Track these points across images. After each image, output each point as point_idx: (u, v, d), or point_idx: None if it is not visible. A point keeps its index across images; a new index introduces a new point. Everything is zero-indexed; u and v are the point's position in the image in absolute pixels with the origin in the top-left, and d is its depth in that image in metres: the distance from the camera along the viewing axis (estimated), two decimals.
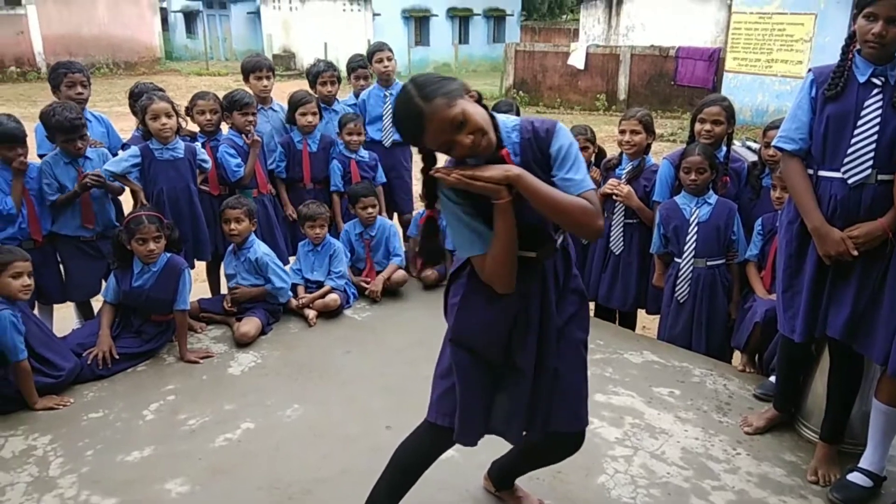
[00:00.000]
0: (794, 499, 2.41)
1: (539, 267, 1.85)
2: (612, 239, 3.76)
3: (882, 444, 2.38)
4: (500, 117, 1.76)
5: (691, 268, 3.35)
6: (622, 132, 3.62)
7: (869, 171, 2.24)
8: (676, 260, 3.42)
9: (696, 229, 3.31)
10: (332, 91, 4.54)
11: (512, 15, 29.56)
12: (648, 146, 3.67)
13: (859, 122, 2.25)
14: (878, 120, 2.22)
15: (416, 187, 4.71)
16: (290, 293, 3.85)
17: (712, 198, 3.33)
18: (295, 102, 4.20)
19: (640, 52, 15.53)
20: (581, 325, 1.98)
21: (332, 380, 3.22)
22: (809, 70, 2.45)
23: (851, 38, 2.30)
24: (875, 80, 2.25)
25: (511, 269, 1.76)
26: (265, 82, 4.21)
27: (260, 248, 3.74)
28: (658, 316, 3.72)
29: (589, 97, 16.17)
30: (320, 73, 4.51)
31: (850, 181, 2.27)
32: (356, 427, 2.82)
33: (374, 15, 24.06)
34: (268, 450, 2.68)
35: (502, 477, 2.35)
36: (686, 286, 3.36)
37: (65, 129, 3.25)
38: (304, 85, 4.73)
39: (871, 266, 2.28)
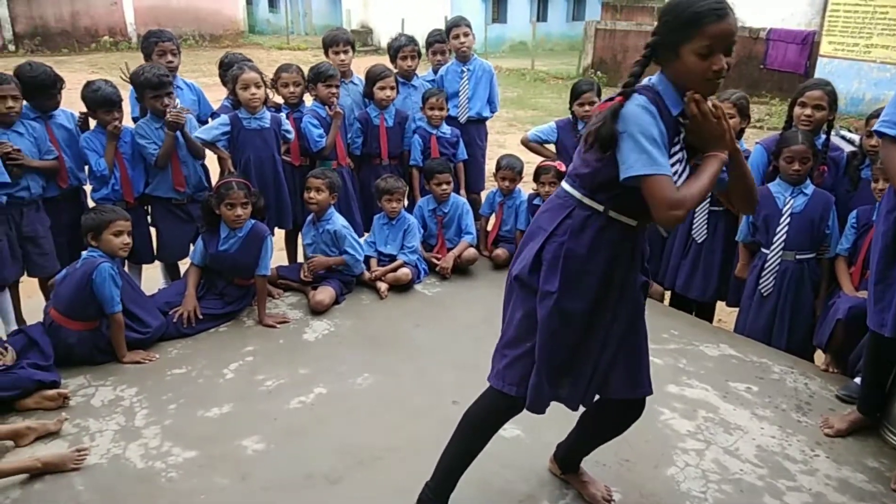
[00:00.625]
0: None
1: (634, 235, 1.86)
2: (695, 226, 3.63)
3: None
4: None
5: (779, 260, 3.21)
6: None
7: None
8: (763, 251, 3.28)
9: (788, 220, 3.16)
10: (411, 66, 4.55)
11: None
12: (742, 131, 3.51)
13: None
14: None
15: (489, 166, 4.73)
16: (364, 265, 3.92)
17: (809, 188, 3.16)
18: (373, 76, 4.22)
19: None
20: (645, 296, 2.01)
21: (402, 352, 3.27)
22: None
23: None
24: None
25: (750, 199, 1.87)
26: (343, 56, 4.26)
27: (338, 221, 3.82)
28: (737, 309, 3.59)
29: None
30: (401, 48, 4.51)
31: None
32: (424, 399, 2.87)
33: None
34: (339, 415, 2.76)
35: (568, 459, 2.34)
36: (771, 279, 3.23)
37: (152, 84, 3.38)
38: (381, 60, 4.76)
39: None
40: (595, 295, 1.84)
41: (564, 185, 1.90)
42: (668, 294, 3.99)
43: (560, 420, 2.17)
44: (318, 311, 3.61)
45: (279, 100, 4.07)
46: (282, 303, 3.78)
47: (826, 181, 3.25)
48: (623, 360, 1.95)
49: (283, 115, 3.90)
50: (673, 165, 1.72)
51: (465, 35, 4.55)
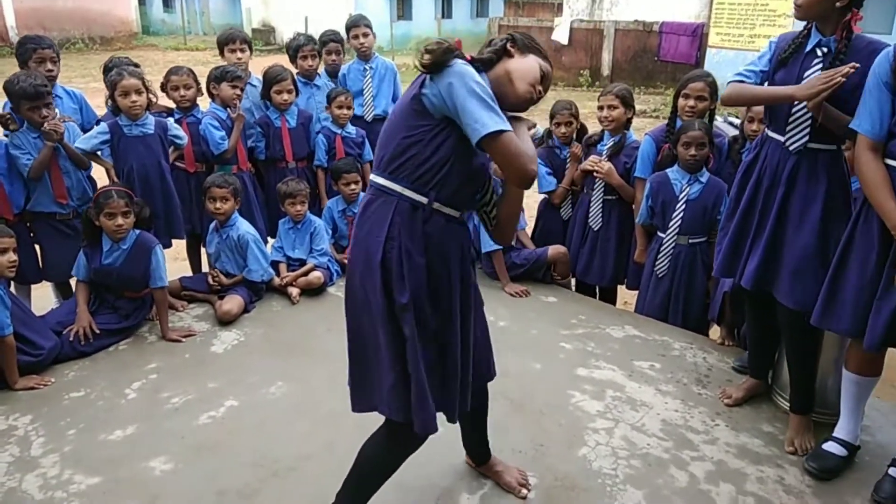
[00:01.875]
0: (771, 468, 2.46)
1: (462, 227, 1.85)
2: (591, 215, 3.78)
3: (854, 413, 2.44)
4: None
5: (673, 244, 3.37)
6: (600, 108, 3.63)
7: (806, 139, 2.35)
8: (659, 234, 3.44)
9: (683, 206, 3.32)
10: (312, 65, 4.47)
11: None
12: (629, 121, 3.68)
13: None
14: None
15: None
16: (272, 271, 3.83)
17: (704, 176, 3.33)
18: (269, 80, 4.12)
19: (624, 27, 15.43)
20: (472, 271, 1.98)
21: (316, 357, 3.22)
22: (781, 35, 2.54)
23: None
24: (818, 50, 2.33)
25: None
26: (240, 55, 4.14)
27: (242, 226, 3.71)
28: (637, 291, 3.75)
29: (573, 73, 16.09)
30: (301, 47, 4.43)
31: (790, 147, 2.39)
32: (340, 404, 2.78)
33: None
34: (252, 427, 2.69)
35: (473, 451, 2.38)
36: (666, 261, 3.39)
37: (29, 95, 3.16)
38: (283, 60, 4.65)
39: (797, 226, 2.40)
40: (441, 294, 1.79)
41: (379, 179, 1.78)
42: (572, 281, 4.12)
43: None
44: (225, 321, 3.49)
45: (170, 104, 3.91)
46: (187, 315, 3.63)
47: (711, 166, 3.44)
48: (481, 347, 2.03)
49: (171, 119, 3.74)
50: None
51: (365, 35, 4.50)
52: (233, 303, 3.54)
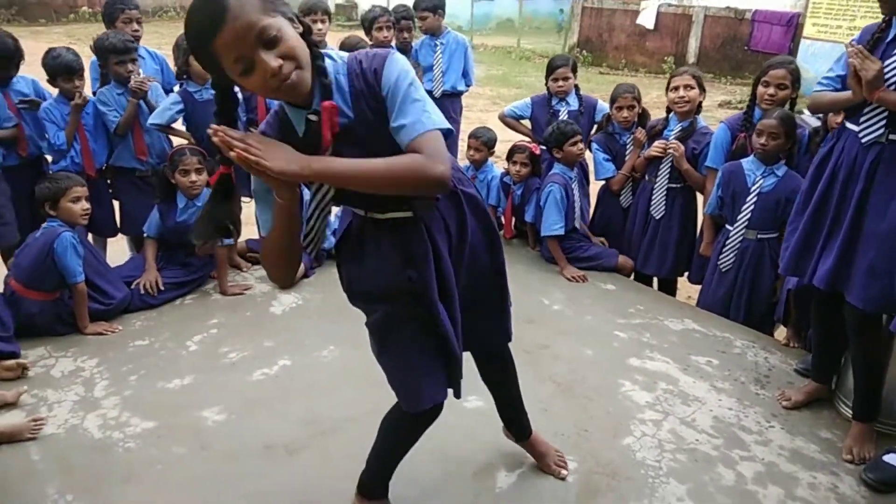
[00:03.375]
0: (825, 475, 2.35)
1: (420, 224, 1.61)
2: (653, 202, 3.67)
3: None
4: (332, 54, 1.44)
5: (741, 238, 3.23)
6: (675, 88, 3.49)
7: (883, 130, 2.20)
8: (727, 227, 3.30)
9: (755, 199, 3.17)
10: (388, 36, 4.50)
11: None
12: (700, 105, 3.53)
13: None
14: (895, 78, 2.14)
15: (465, 142, 4.72)
16: (333, 239, 3.89)
17: (781, 169, 3.15)
18: (348, 47, 4.18)
19: (714, 13, 14.76)
20: (490, 249, 1.82)
21: None
22: (865, 26, 2.37)
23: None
24: None
25: (285, 269, 1.55)
26: (319, 25, 4.20)
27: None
28: (701, 286, 3.62)
29: (656, 59, 15.55)
30: (376, 19, 4.47)
31: (864, 139, 2.24)
32: None
33: None
34: (302, 387, 2.76)
35: (511, 424, 2.34)
36: (732, 256, 3.25)
37: (117, 49, 3.33)
38: (362, 36, 4.71)
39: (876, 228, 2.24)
40: (398, 297, 1.67)
41: None
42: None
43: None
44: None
45: None
46: (250, 276, 3.76)
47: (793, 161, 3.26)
48: (477, 324, 1.85)
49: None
50: (317, 195, 1.51)
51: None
52: None
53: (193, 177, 3.30)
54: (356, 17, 23.76)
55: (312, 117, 1.40)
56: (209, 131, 1.29)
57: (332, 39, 4.47)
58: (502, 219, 4.28)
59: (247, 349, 3.02)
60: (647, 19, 15.65)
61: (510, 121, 4.36)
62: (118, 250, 3.97)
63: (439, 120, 1.43)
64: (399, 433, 1.97)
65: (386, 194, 1.47)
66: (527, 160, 3.98)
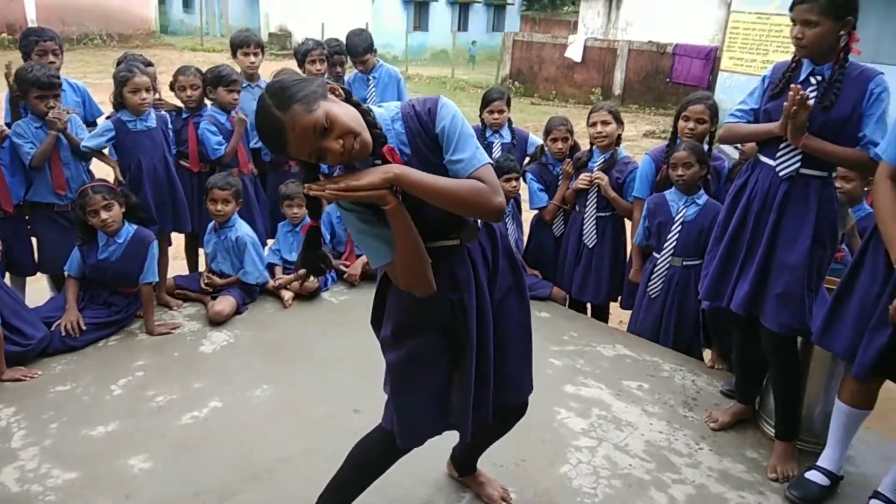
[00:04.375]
0: (752, 495, 2.44)
1: (464, 252, 1.78)
2: (585, 232, 3.79)
3: (841, 443, 2.41)
4: (380, 109, 1.65)
5: (668, 265, 3.36)
6: (593, 124, 3.65)
7: (798, 164, 2.36)
8: (655, 255, 3.43)
9: (679, 228, 3.31)
10: (321, 69, 4.51)
11: (513, 4, 29.47)
12: (619, 137, 3.70)
13: None
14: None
15: None
16: (267, 274, 3.84)
17: (702, 198, 3.31)
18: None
19: (638, 47, 15.48)
20: (520, 294, 1.94)
21: (304, 361, 3.22)
22: (773, 64, 2.55)
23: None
24: (812, 79, 2.34)
25: (423, 273, 1.65)
26: (252, 58, 4.18)
27: (241, 228, 3.73)
28: (631, 311, 3.73)
29: (584, 91, 16.14)
30: (309, 52, 4.47)
31: (781, 173, 2.40)
32: (324, 408, 2.83)
33: None
34: (234, 429, 2.68)
35: (463, 461, 2.36)
36: (660, 282, 3.38)
37: (42, 84, 3.21)
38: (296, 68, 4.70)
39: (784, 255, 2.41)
40: (433, 332, 1.79)
41: None
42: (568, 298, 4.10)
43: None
44: (217, 321, 3.50)
45: (178, 103, 3.94)
46: (179, 314, 3.64)
47: (710, 189, 3.43)
48: (510, 368, 1.94)
49: (167, 115, 3.77)
50: None
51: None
52: (225, 303, 3.55)
53: (103, 215, 3.17)
54: (290, 46, 23.69)
55: (378, 162, 1.57)
56: (309, 191, 1.51)
57: (267, 69, 4.44)
58: None
59: (175, 391, 2.92)
60: (574, 52, 16.25)
61: None
62: (38, 290, 3.78)
63: (487, 156, 1.65)
64: (375, 463, 2.02)
65: (445, 214, 1.64)
66: None
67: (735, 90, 12.85)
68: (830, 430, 2.43)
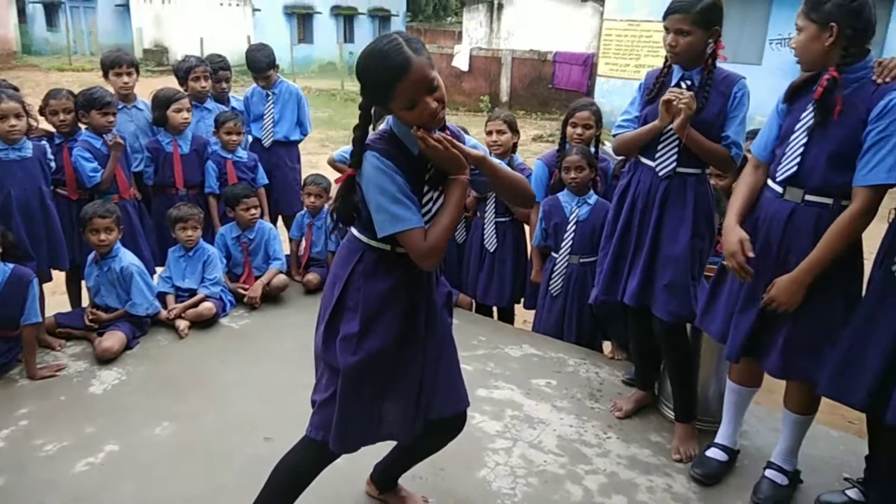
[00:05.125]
0: (660, 477, 2.56)
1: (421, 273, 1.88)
2: (485, 237, 3.87)
3: (735, 420, 2.59)
4: None
5: (566, 264, 3.49)
6: (489, 133, 3.74)
7: (675, 164, 2.53)
8: (553, 255, 3.55)
9: (574, 227, 3.44)
10: (205, 87, 4.35)
11: (397, 15, 29.68)
12: (515, 145, 3.82)
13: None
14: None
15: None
16: (158, 304, 3.63)
17: (592, 198, 3.46)
18: (165, 99, 3.96)
19: (521, 55, 16.03)
20: (450, 309, 2.05)
21: (206, 392, 3.07)
22: (647, 72, 2.71)
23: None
24: (682, 84, 2.51)
25: (446, 243, 1.79)
26: (126, 79, 3.96)
27: (126, 257, 3.51)
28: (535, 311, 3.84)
29: (473, 98, 16.50)
30: (192, 69, 4.30)
31: (660, 173, 2.56)
32: (232, 440, 2.71)
33: (254, 10, 23.34)
34: (134, 472, 2.51)
35: (387, 478, 2.34)
36: (560, 281, 3.50)
37: None
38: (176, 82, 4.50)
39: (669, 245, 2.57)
40: (398, 329, 1.86)
41: (353, 230, 1.89)
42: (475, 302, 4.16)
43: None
44: (105, 359, 3.27)
45: (50, 128, 3.66)
46: (63, 354, 3.37)
47: (599, 189, 3.59)
48: (443, 379, 1.98)
49: (46, 144, 3.50)
50: (426, 205, 1.79)
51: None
52: (113, 339, 3.32)
53: None
54: (167, 62, 22.66)
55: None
56: (417, 131, 1.67)
57: (144, 88, 4.22)
58: None
59: (65, 438, 2.69)
60: (461, 62, 16.59)
61: (340, 165, 4.35)
62: None
63: None
64: (304, 473, 2.02)
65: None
66: None
67: (612, 94, 13.59)
68: (724, 409, 2.60)
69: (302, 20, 25.93)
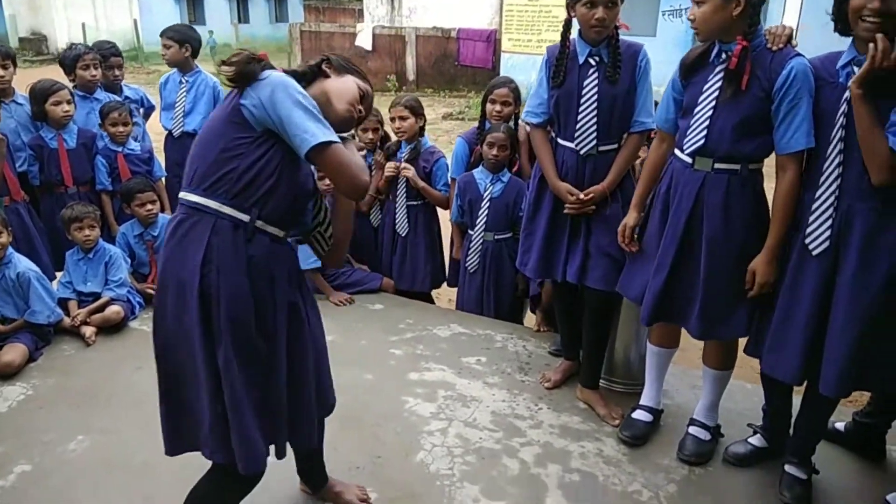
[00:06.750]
0: (591, 443, 2.65)
1: (287, 248, 1.81)
2: (397, 220, 3.85)
3: (657, 380, 2.70)
4: None
5: (481, 240, 3.52)
6: (392, 119, 3.71)
7: (595, 142, 2.57)
8: (469, 232, 3.57)
9: (488, 204, 3.46)
10: (95, 76, 4.05)
11: None
12: (421, 129, 3.80)
13: (582, 100, 2.54)
14: (597, 96, 2.52)
15: None
16: (60, 311, 3.38)
17: (506, 176, 3.48)
18: (42, 92, 3.66)
19: (424, 33, 15.90)
20: (315, 305, 1.97)
21: (123, 402, 2.89)
22: (547, 47, 2.69)
23: (567, 26, 2.57)
24: (591, 60, 2.54)
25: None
26: (1, 72, 3.62)
27: (21, 263, 3.24)
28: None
29: (380, 78, 16.23)
30: (80, 57, 3.99)
31: (581, 151, 2.60)
32: (153, 451, 2.56)
33: None
34: (51, 492, 2.35)
35: (310, 475, 2.28)
36: (476, 257, 3.54)
37: None
38: (58, 73, 4.16)
39: (601, 221, 2.65)
40: (266, 320, 1.70)
41: (192, 197, 1.66)
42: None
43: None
44: (7, 374, 3.02)
45: None
46: None
47: (515, 168, 3.62)
48: (315, 381, 1.89)
49: None
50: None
51: (166, 48, 4.21)
52: (14, 352, 3.07)
53: None
54: (47, 51, 21.01)
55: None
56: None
57: (23, 80, 3.88)
58: None
59: None
60: (364, 41, 16.28)
61: None
62: None
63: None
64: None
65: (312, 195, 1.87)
66: None
67: (517, 69, 13.72)
68: (647, 371, 2.71)
69: (192, 1, 24.67)
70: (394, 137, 3.92)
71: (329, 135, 1.62)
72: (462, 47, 15.46)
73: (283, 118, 1.60)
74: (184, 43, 4.22)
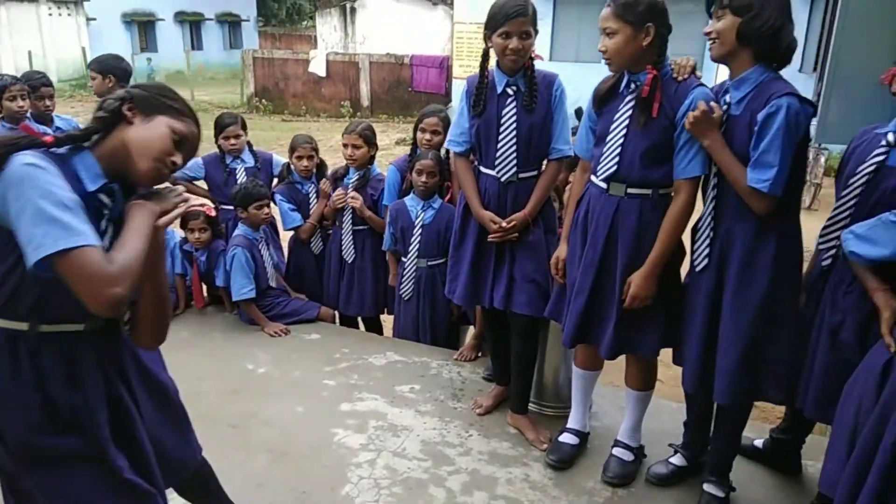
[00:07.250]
0: (518, 468, 2.66)
1: (93, 344, 1.53)
2: (343, 247, 3.83)
3: (582, 403, 2.73)
4: None
5: (415, 267, 3.53)
6: (345, 146, 3.71)
7: (515, 170, 2.62)
8: (403, 259, 3.58)
9: (420, 231, 3.48)
10: (23, 106, 3.95)
11: (248, 20, 28.72)
12: (372, 157, 3.80)
13: (501, 129, 2.60)
14: (515, 125, 2.58)
15: None
16: None
17: (437, 202, 3.51)
18: None
19: (378, 59, 16.05)
20: (161, 372, 1.79)
21: None
22: (468, 78, 2.75)
23: (486, 56, 2.63)
24: (509, 90, 2.60)
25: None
26: None
27: None
28: None
29: (334, 104, 16.31)
30: (6, 88, 3.89)
31: (502, 179, 2.64)
32: None
33: (89, 20, 21.70)
34: None
35: None
36: (410, 284, 3.54)
37: None
38: None
39: (524, 248, 2.69)
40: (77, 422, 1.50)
41: None
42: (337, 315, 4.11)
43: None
44: None
45: None
46: None
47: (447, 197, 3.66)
48: (166, 446, 1.74)
49: None
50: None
51: (92, 79, 4.07)
52: None
53: None
54: None
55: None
56: None
57: None
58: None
59: None
60: (318, 67, 16.34)
61: (184, 184, 4.14)
62: None
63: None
64: None
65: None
66: (204, 225, 3.83)
67: None
68: (573, 394, 2.74)
69: (143, 28, 24.43)
70: (330, 164, 3.92)
71: (61, 242, 1.26)
72: (415, 73, 15.63)
73: (12, 225, 1.31)
74: (107, 74, 4.13)
